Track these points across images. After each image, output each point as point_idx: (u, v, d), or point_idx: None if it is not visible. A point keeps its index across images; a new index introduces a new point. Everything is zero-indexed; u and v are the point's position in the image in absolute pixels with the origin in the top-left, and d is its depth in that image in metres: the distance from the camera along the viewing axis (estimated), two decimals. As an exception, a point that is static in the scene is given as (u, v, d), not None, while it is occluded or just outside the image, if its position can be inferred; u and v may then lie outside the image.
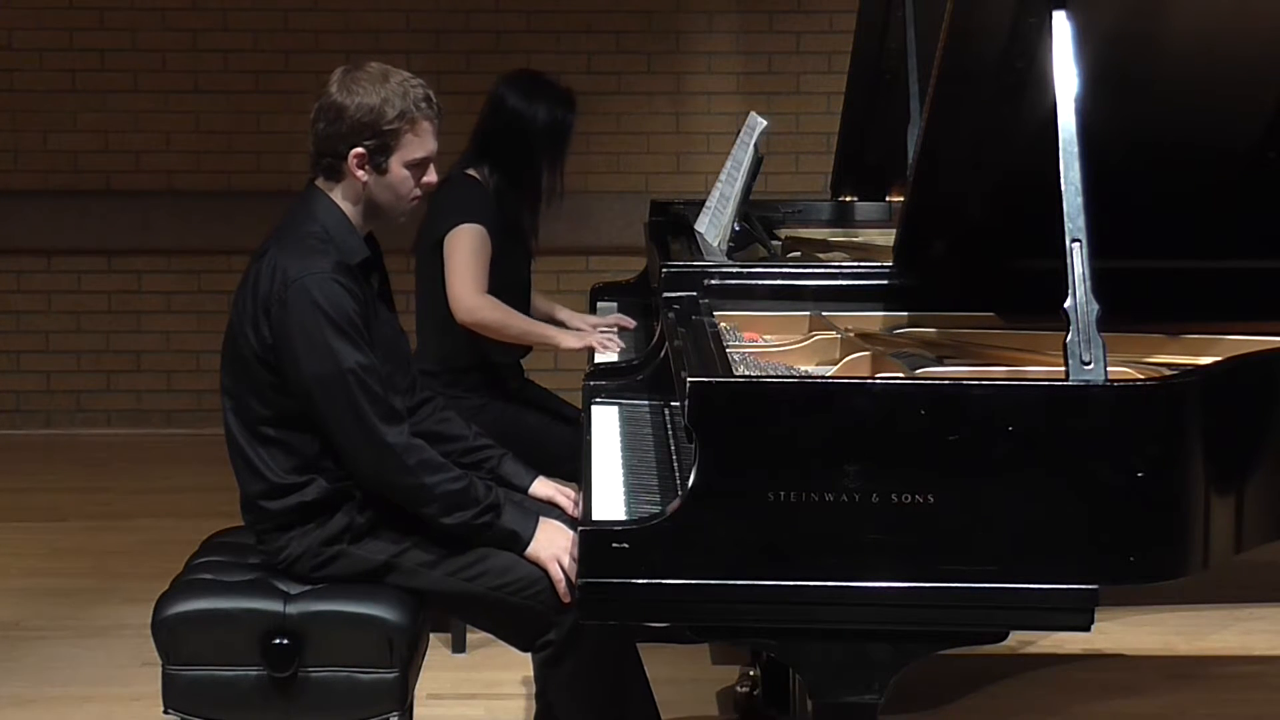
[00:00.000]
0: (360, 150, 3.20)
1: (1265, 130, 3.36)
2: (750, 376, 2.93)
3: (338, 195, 3.26)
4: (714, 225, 4.10)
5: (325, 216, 3.24)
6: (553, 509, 3.42)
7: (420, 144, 3.23)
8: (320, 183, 3.28)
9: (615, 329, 4.50)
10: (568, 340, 4.45)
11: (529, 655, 3.34)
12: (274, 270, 3.16)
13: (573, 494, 3.49)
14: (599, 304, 4.92)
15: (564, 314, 4.72)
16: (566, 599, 3.15)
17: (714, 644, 4.43)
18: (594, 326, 4.55)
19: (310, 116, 3.25)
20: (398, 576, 3.23)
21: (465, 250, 4.32)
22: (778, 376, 3.02)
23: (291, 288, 3.13)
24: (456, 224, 4.33)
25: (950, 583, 2.62)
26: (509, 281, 4.43)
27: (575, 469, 3.57)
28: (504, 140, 4.43)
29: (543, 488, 3.50)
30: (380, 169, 3.22)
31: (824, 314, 3.46)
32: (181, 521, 5.43)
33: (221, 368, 3.30)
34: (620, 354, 4.29)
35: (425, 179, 3.27)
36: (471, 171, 4.44)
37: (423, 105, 3.22)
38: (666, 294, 3.51)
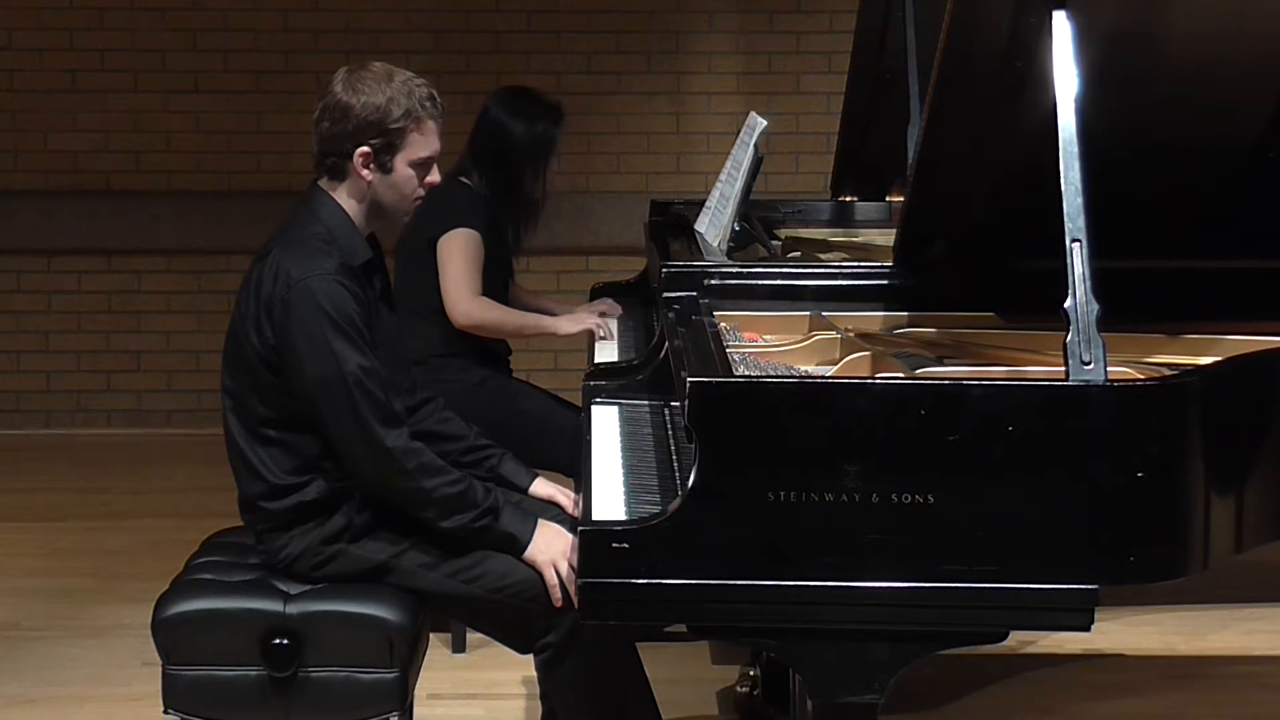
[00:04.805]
0: (366, 149, 3.20)
1: (1265, 130, 3.36)
2: (750, 376, 2.93)
3: (341, 196, 3.26)
4: (714, 225, 4.10)
5: (328, 217, 3.24)
6: (552, 508, 3.43)
7: (425, 143, 3.24)
8: (323, 183, 3.28)
9: (606, 317, 4.59)
10: (564, 326, 4.59)
11: (528, 656, 3.33)
12: (277, 271, 3.16)
13: (573, 493, 3.50)
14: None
15: (559, 309, 4.82)
16: (559, 604, 3.15)
17: (714, 644, 4.43)
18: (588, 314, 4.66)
19: (314, 116, 3.25)
20: (397, 577, 3.23)
21: (460, 255, 4.44)
22: (778, 376, 3.02)
23: (294, 289, 3.13)
24: (451, 227, 4.43)
25: (950, 583, 2.62)
26: (486, 291, 4.49)
27: (575, 452, 3.58)
28: (489, 153, 4.57)
29: (543, 487, 3.51)
30: (385, 168, 3.23)
31: (824, 314, 3.45)
32: (181, 521, 5.44)
33: (223, 368, 3.30)
34: (620, 354, 4.30)
35: (428, 179, 3.28)
36: (463, 179, 4.55)
37: (427, 104, 3.23)
38: (666, 294, 3.51)
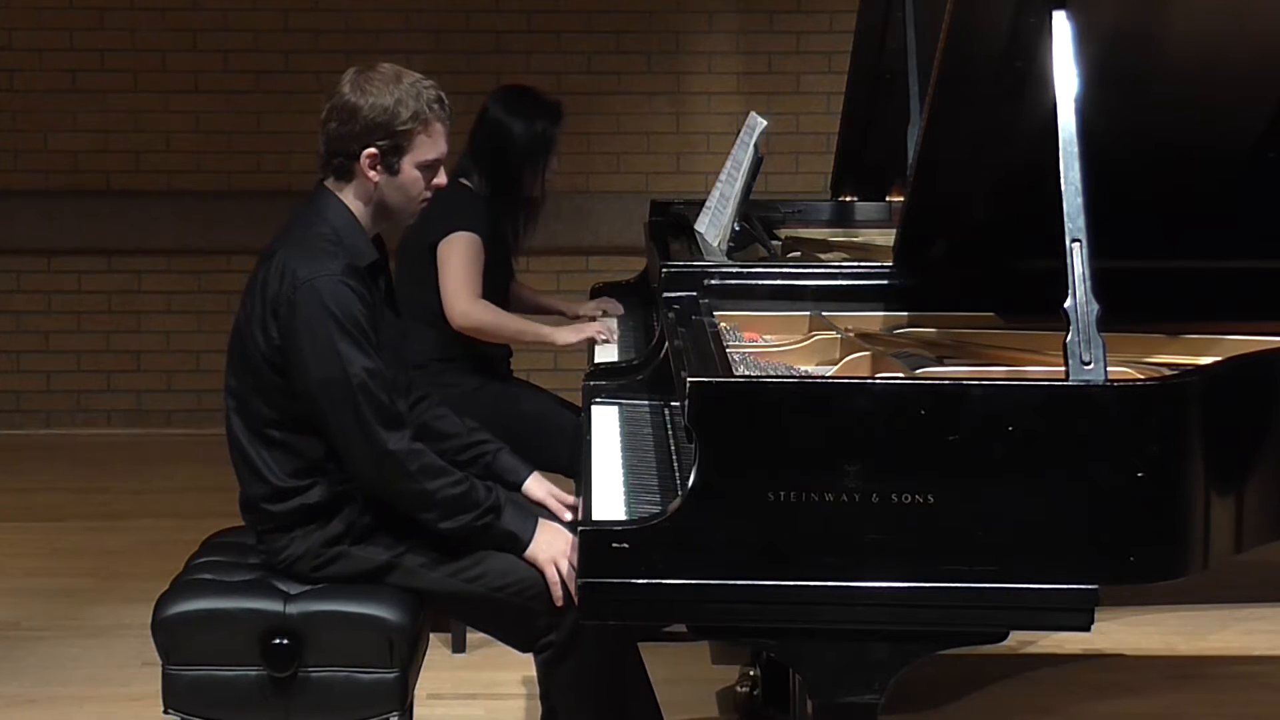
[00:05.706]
0: (373, 150, 3.20)
1: (1265, 130, 3.36)
2: (750, 376, 2.93)
3: (348, 196, 3.26)
4: (714, 225, 4.10)
5: (335, 218, 3.24)
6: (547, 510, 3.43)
7: (432, 145, 3.24)
8: (330, 184, 3.27)
9: (606, 316, 4.60)
10: (564, 336, 4.56)
11: (529, 655, 3.34)
12: (283, 271, 3.16)
13: (568, 498, 3.48)
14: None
15: (565, 307, 4.85)
16: (560, 602, 3.15)
17: (714, 644, 4.43)
18: (586, 314, 4.66)
19: (321, 116, 3.25)
20: (398, 576, 3.23)
21: (460, 257, 4.43)
22: (778, 376, 3.02)
23: (301, 289, 3.13)
24: (451, 231, 4.41)
25: (950, 583, 2.62)
26: (487, 293, 4.48)
27: (576, 453, 3.57)
28: (488, 152, 4.57)
29: (536, 488, 3.49)
30: (392, 170, 3.22)
31: (824, 314, 3.45)
32: (181, 521, 5.44)
33: (227, 368, 3.29)
34: (620, 354, 4.30)
35: (435, 181, 3.28)
36: (464, 180, 4.54)
37: (435, 106, 3.23)
38: (666, 294, 3.51)
